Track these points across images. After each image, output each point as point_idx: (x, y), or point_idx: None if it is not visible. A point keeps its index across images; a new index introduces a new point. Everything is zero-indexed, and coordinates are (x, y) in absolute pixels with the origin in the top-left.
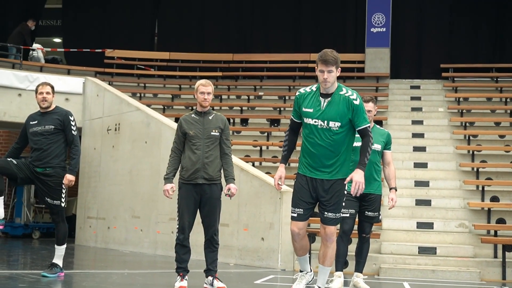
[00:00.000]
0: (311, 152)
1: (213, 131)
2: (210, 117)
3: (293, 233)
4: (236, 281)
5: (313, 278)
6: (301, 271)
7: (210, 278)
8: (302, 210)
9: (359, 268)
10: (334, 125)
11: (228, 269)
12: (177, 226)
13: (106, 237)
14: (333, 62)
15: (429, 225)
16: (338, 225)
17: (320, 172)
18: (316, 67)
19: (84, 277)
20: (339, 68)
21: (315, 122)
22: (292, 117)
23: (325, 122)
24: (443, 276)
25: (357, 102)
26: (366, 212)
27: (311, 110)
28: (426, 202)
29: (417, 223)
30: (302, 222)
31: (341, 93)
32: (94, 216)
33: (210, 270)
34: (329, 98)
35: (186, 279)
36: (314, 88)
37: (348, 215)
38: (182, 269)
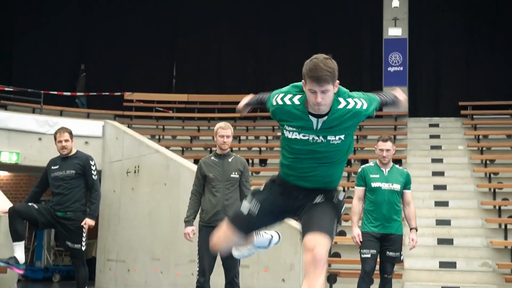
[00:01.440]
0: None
1: (233, 173)
2: (230, 160)
3: None
4: None
5: None
6: None
7: None
8: None
9: None
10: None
11: None
12: (197, 269)
13: (126, 280)
14: (329, 79)
15: (451, 265)
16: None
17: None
18: (303, 83)
19: None
20: (337, 82)
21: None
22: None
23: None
24: None
25: (359, 107)
26: (388, 252)
27: None
28: (448, 241)
29: (440, 262)
30: None
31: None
32: (114, 259)
33: None
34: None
35: None
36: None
37: (369, 255)
38: None
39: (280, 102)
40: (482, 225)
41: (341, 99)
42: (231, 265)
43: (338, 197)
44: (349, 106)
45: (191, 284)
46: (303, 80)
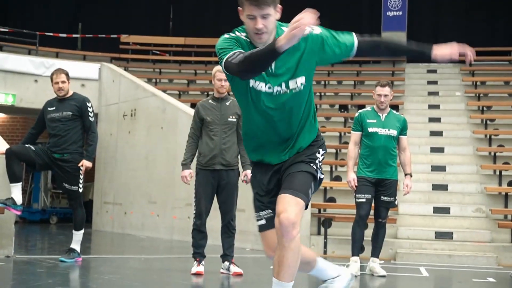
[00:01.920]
0: None
1: (230, 117)
2: (227, 103)
3: None
4: (252, 266)
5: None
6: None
7: (226, 263)
8: None
9: (375, 253)
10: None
11: (244, 254)
12: (194, 212)
13: (122, 222)
14: (269, 1)
15: (445, 210)
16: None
17: None
18: (240, 11)
19: (102, 262)
20: (279, 7)
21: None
22: None
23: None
24: (459, 261)
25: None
26: (382, 197)
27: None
28: (443, 187)
29: (434, 208)
30: None
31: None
32: (111, 202)
33: (227, 255)
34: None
35: (203, 264)
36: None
37: (364, 200)
38: (198, 254)
39: (232, 35)
40: (477, 171)
41: (286, 28)
42: (227, 208)
43: (315, 155)
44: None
45: (188, 227)
46: (239, 9)
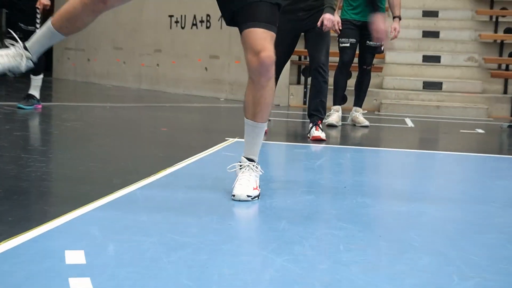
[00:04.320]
0: None
1: None
2: None
3: None
4: (226, 117)
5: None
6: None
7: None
8: None
9: (358, 102)
10: None
11: (219, 104)
12: None
13: (86, 70)
14: None
15: (436, 59)
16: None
17: None
18: None
19: (64, 109)
20: None
21: None
22: None
23: None
24: (448, 112)
25: None
26: (368, 42)
27: None
28: (434, 34)
29: (423, 56)
30: None
31: None
32: (73, 47)
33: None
34: None
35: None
36: None
37: (348, 44)
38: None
39: None
40: (471, 17)
41: None
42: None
43: None
44: None
45: (156, 76)
46: None
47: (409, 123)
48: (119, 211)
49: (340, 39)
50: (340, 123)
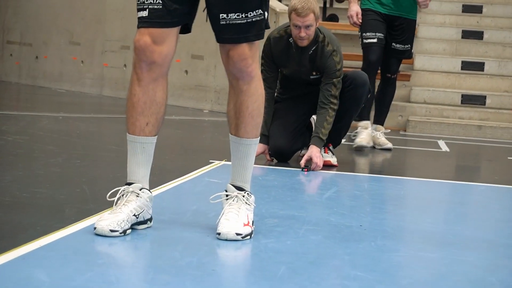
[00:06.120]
0: None
1: None
2: None
3: None
4: (211, 133)
5: None
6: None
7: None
8: None
9: (380, 119)
10: None
11: (202, 117)
12: None
13: (33, 70)
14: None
15: (478, 66)
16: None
17: None
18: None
19: (5, 119)
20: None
21: None
22: None
23: None
24: (492, 134)
25: None
26: (393, 43)
27: None
28: (477, 35)
29: (462, 62)
30: None
31: None
32: (17, 41)
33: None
34: None
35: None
36: None
37: (375, 40)
38: None
39: None
40: None
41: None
42: None
43: None
44: None
45: (122, 79)
46: None
47: (443, 146)
48: (70, 250)
49: (364, 34)
50: (371, 144)
